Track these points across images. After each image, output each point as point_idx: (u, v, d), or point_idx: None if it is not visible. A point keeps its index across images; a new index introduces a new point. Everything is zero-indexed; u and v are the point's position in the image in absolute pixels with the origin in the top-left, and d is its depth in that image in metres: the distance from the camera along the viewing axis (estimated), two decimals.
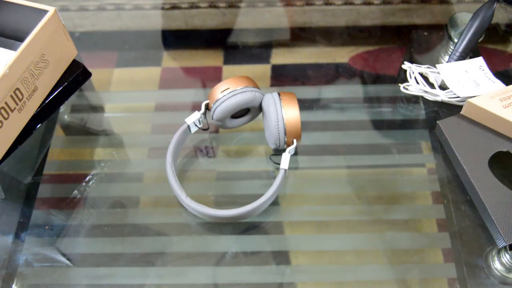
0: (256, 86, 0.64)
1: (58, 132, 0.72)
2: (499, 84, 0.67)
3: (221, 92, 0.62)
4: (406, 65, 0.71)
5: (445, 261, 0.60)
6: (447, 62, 0.71)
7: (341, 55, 0.79)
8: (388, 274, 0.59)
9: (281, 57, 0.79)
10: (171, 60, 0.80)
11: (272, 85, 0.76)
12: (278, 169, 0.62)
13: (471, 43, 0.71)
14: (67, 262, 0.61)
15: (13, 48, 0.66)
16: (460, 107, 0.66)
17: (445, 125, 0.65)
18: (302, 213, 0.64)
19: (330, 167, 0.68)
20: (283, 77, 0.77)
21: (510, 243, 0.56)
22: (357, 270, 0.60)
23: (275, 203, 0.64)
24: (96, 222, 0.63)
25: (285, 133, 0.61)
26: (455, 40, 0.75)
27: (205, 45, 0.82)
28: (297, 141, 0.63)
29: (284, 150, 0.63)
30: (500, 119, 0.62)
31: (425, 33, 0.81)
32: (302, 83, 0.76)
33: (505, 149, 0.62)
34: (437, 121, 0.66)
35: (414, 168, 0.67)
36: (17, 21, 0.66)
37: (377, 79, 0.76)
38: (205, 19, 0.84)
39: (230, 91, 0.62)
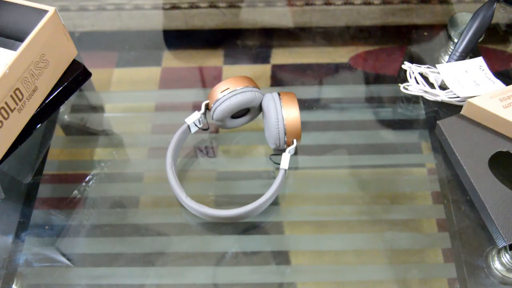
0: (256, 86, 0.64)
1: (58, 132, 0.72)
2: (499, 84, 0.67)
3: (221, 92, 0.62)
4: (406, 65, 0.71)
5: (445, 261, 0.60)
6: (447, 62, 0.71)
7: (341, 55, 0.79)
8: (388, 274, 0.59)
9: (281, 57, 0.79)
10: (171, 60, 0.80)
11: (272, 85, 0.76)
12: (278, 169, 0.62)
13: (471, 43, 0.71)
14: (67, 262, 0.61)
15: (13, 48, 0.66)
16: (460, 107, 0.66)
17: (445, 125, 0.65)
18: (302, 213, 0.64)
19: (330, 167, 0.68)
20: (283, 77, 0.76)
21: (510, 243, 0.56)
22: (357, 270, 0.60)
23: (275, 203, 0.64)
24: (96, 222, 0.63)
25: (285, 133, 0.61)
26: (455, 40, 0.75)
27: (205, 45, 0.82)
28: (297, 141, 0.63)
29: (284, 150, 0.63)
30: (500, 119, 0.62)
31: (425, 33, 0.81)
32: (302, 83, 0.76)
33: (505, 149, 0.62)
34: (437, 121, 0.66)
35: (414, 168, 0.67)
36: (17, 21, 0.66)
37: (377, 79, 0.76)
38: (205, 19, 0.84)
39: (230, 91, 0.62)
